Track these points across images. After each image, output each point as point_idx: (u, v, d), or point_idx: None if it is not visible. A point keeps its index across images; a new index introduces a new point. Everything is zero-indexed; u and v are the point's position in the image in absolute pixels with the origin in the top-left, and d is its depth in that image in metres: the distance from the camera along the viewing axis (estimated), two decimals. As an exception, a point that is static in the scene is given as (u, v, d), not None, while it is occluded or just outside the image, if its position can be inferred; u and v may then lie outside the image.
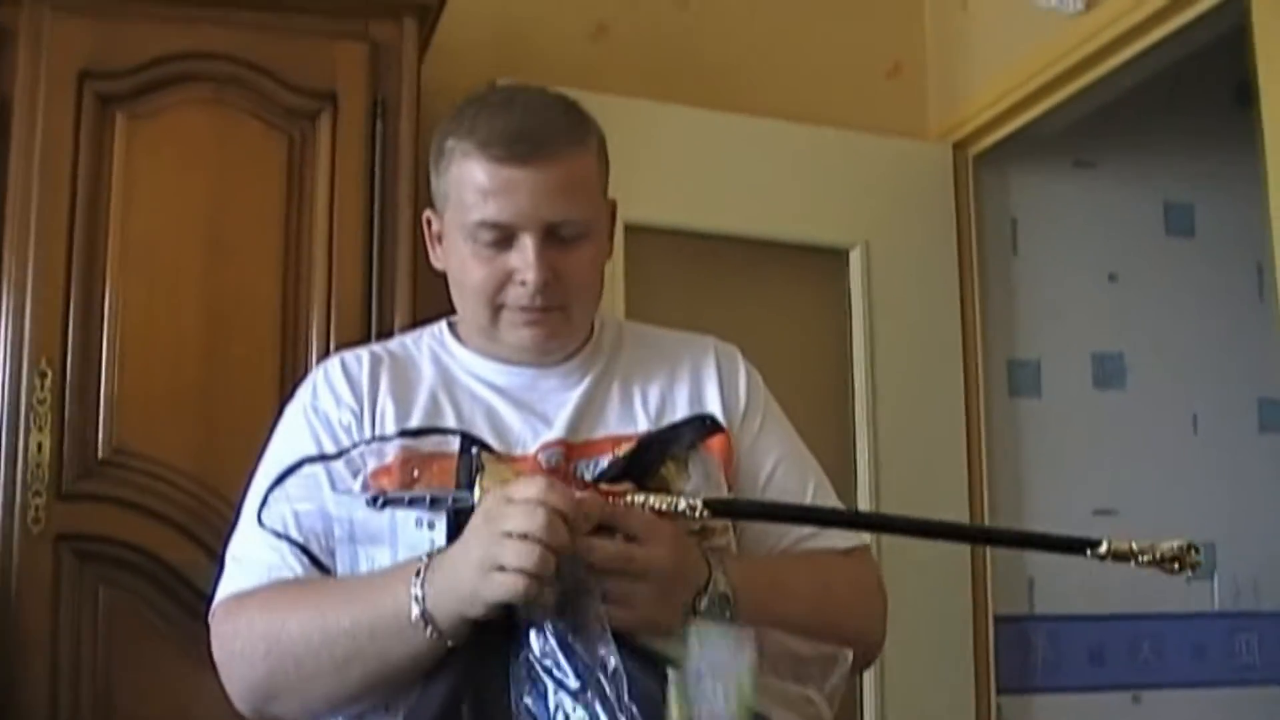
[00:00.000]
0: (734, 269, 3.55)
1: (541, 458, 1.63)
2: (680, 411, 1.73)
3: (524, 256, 1.62)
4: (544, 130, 1.62)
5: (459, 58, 3.32)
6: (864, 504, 3.47)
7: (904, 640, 2.04)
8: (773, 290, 3.59)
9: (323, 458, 1.63)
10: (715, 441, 1.71)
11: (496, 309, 1.67)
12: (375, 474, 1.61)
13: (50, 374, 2.54)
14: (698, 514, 1.49)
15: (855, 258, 3.65)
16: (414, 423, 1.65)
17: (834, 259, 3.68)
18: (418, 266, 2.76)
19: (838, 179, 3.64)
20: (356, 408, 1.67)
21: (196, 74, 2.72)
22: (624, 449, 1.64)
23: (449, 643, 1.45)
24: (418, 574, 1.45)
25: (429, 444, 1.63)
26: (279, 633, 1.52)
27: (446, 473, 1.59)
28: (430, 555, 1.47)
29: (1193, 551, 1.45)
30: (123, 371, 2.60)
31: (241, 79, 2.74)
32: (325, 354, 2.64)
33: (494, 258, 1.64)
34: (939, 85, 3.92)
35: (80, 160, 2.64)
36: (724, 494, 1.66)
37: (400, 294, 2.76)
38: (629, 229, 2.95)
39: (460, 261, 1.67)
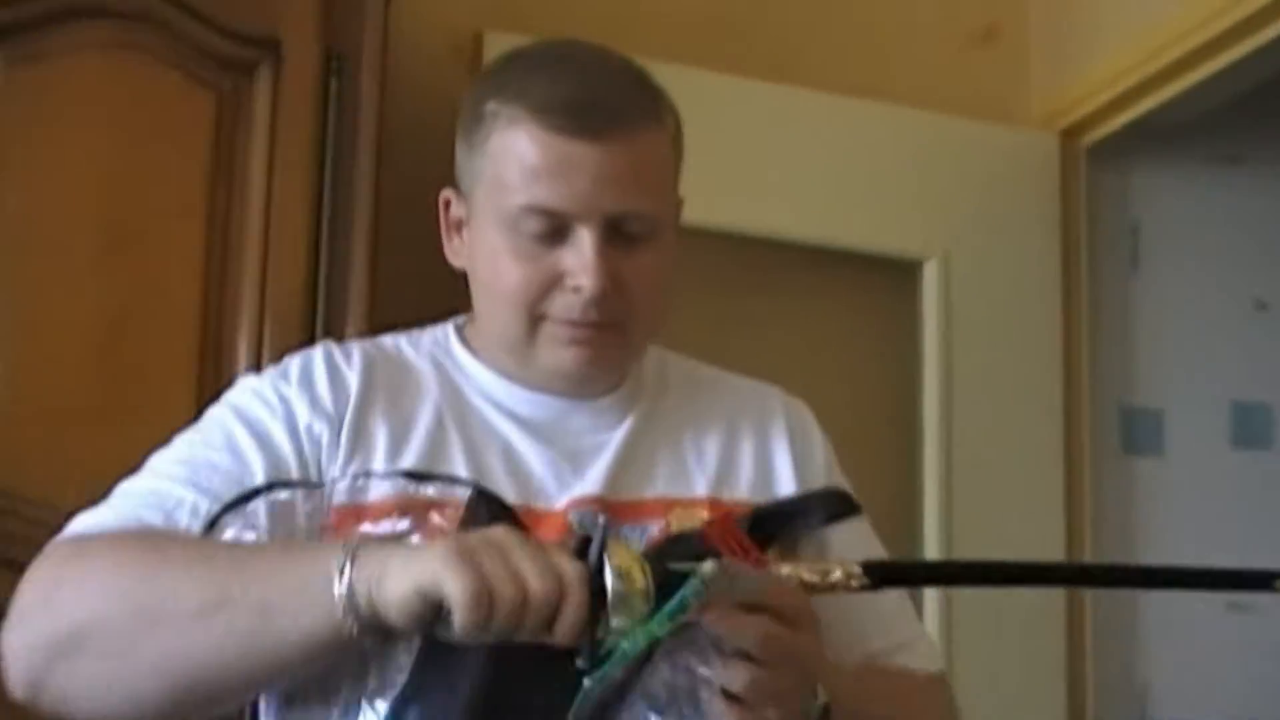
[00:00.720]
0: (778, 281, 3.56)
1: (572, 517, 1.62)
2: (744, 477, 1.73)
3: (580, 256, 1.60)
4: (616, 99, 1.62)
5: (438, 2, 3.34)
6: None
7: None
8: (826, 310, 3.60)
9: (292, 483, 1.60)
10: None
11: (536, 320, 1.64)
12: (345, 513, 1.59)
13: (-94, 394, 2.58)
14: (855, 584, 1.50)
15: (930, 272, 3.65)
16: (412, 454, 1.63)
17: (904, 272, 3.69)
18: (376, 264, 2.77)
19: (913, 171, 3.64)
20: (334, 419, 1.64)
21: (96, 8, 2.67)
22: (674, 520, 1.65)
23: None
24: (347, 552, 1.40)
25: (430, 489, 1.61)
26: (130, 581, 1.46)
27: (449, 523, 1.58)
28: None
29: None
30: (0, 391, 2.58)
31: (156, 17, 2.69)
32: (256, 369, 2.59)
33: (539, 255, 1.62)
34: (1045, 56, 3.89)
35: (-60, 114, 2.66)
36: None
37: (354, 297, 2.74)
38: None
39: (492, 258, 1.65)
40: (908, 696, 1.71)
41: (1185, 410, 3.85)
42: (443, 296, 3.02)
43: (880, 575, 1.53)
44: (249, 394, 1.67)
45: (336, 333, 2.67)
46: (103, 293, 2.63)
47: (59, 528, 2.41)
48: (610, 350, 1.66)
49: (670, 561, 1.41)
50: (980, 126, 3.73)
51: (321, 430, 1.62)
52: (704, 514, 1.66)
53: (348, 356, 1.70)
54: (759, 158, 3.47)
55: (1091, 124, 3.75)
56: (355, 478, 1.60)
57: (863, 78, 3.67)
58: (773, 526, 1.66)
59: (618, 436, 1.70)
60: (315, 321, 2.72)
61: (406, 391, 1.69)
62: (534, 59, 1.67)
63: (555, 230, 1.60)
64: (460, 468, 1.62)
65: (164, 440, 2.39)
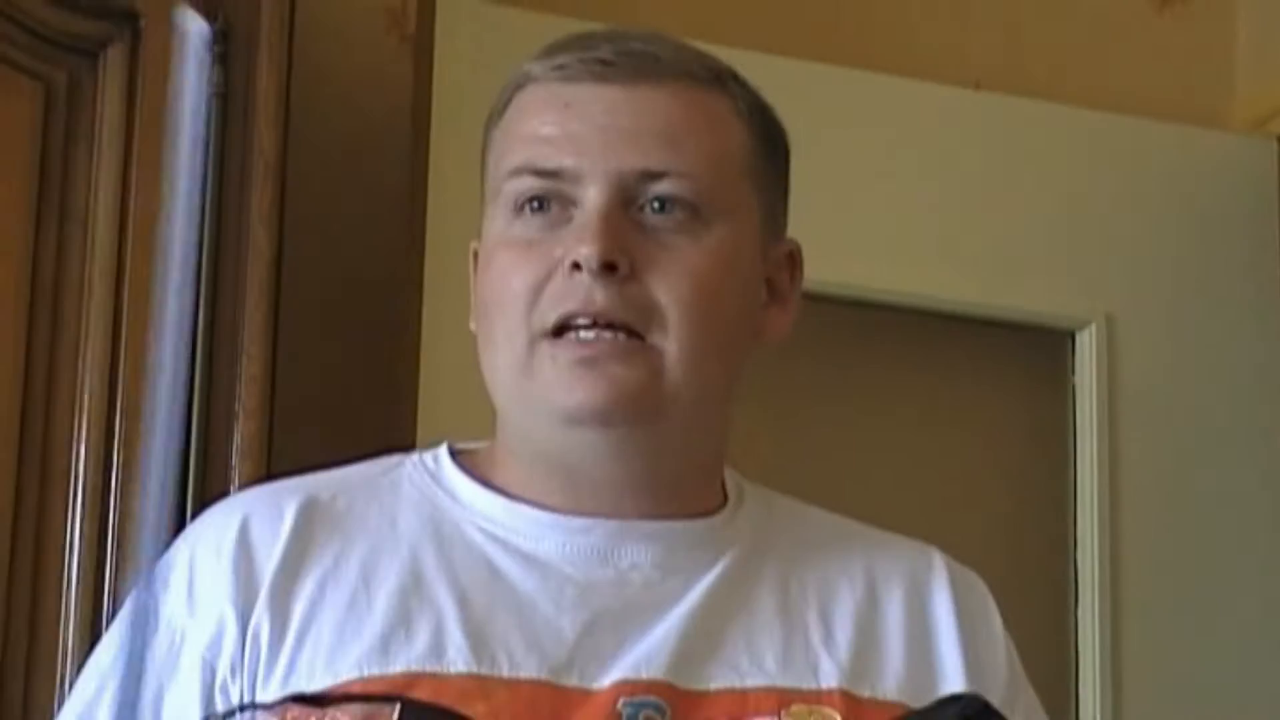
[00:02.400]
0: (878, 353, 3.54)
1: (622, 706, 1.56)
2: (892, 668, 1.69)
3: (583, 220, 1.61)
4: (653, 47, 1.69)
5: None
6: None
7: None
8: (939, 389, 3.55)
9: None
10: None
11: (533, 341, 1.63)
12: None
13: None
14: None
15: (1085, 342, 3.59)
16: (373, 631, 1.60)
17: (1051, 342, 3.65)
18: (277, 318, 2.70)
19: (1061, 200, 3.58)
20: (236, 619, 1.62)
21: None
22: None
23: None
24: None
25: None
26: None
27: None
28: None
29: None
30: None
31: None
32: (102, 467, 2.62)
33: (538, 240, 1.64)
34: (1254, 29, 3.76)
35: None
36: None
37: (247, 381, 2.69)
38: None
39: (486, 268, 1.68)
40: None
41: None
42: (360, 374, 3.06)
43: None
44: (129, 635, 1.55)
45: (219, 422, 2.65)
46: None
47: None
48: (632, 372, 1.61)
49: None
50: (1163, 130, 3.62)
51: (212, 641, 1.64)
52: (835, 715, 1.63)
53: (275, 509, 1.70)
54: (838, 182, 3.34)
55: None
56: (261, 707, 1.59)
57: (983, 62, 3.65)
58: None
59: (702, 585, 1.67)
60: (191, 412, 2.62)
61: (369, 546, 1.67)
62: (572, 35, 1.73)
63: (560, 204, 1.63)
64: (448, 636, 1.60)
65: None
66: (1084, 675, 3.48)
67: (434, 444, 1.80)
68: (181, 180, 2.51)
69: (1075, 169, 3.59)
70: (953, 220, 3.53)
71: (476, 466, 1.74)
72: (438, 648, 1.58)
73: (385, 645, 1.58)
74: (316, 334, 2.99)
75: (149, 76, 2.72)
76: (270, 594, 1.62)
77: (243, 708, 1.59)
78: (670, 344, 1.63)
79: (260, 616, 1.61)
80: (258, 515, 1.68)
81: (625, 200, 1.62)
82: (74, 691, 1.69)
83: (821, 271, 3.24)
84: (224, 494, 2.45)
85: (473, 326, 1.73)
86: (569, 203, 1.63)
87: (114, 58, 2.73)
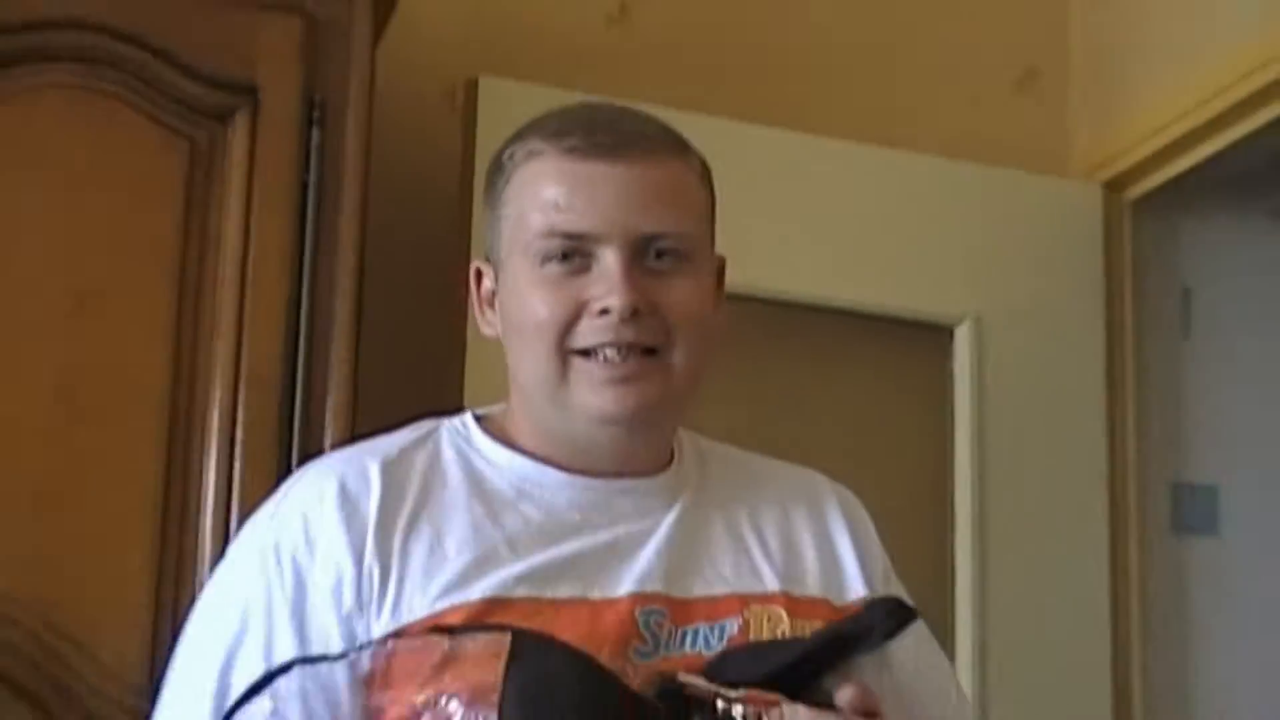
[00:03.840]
0: (798, 347, 3.57)
1: (640, 617, 1.63)
2: (811, 573, 1.77)
3: (606, 276, 1.66)
4: (636, 126, 1.73)
5: (427, 47, 3.36)
6: (963, 663, 3.45)
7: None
8: (851, 377, 3.62)
9: (312, 660, 1.59)
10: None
11: (566, 356, 1.68)
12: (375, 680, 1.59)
13: None
14: None
15: (962, 336, 3.67)
16: (452, 569, 1.62)
17: (934, 338, 3.71)
18: (361, 324, 2.76)
19: (942, 229, 3.66)
20: (353, 563, 1.62)
21: (58, 49, 2.68)
22: (751, 618, 1.68)
23: None
24: None
25: (468, 642, 1.59)
26: None
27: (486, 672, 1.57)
28: None
29: None
30: (-59, 460, 2.57)
31: (123, 60, 2.69)
32: (229, 448, 2.65)
33: (565, 282, 1.67)
34: (1087, 102, 3.91)
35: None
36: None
37: (336, 369, 2.72)
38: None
39: (519, 297, 1.70)
40: None
41: (1243, 487, 3.84)
42: (431, 365, 3.21)
43: None
44: (243, 584, 1.67)
45: (316, 409, 2.69)
46: (59, 362, 2.62)
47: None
48: (652, 386, 1.68)
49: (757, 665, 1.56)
50: (1016, 177, 3.74)
51: (333, 584, 1.61)
52: (780, 610, 1.69)
53: (363, 477, 1.69)
54: (777, 212, 3.46)
55: (1138, 176, 3.76)
56: (382, 642, 1.59)
57: (888, 125, 3.69)
58: (839, 651, 1.65)
59: (669, 522, 1.72)
60: (295, 392, 2.69)
61: (437, 495, 1.69)
62: (552, 112, 1.75)
63: (581, 257, 1.66)
64: (508, 579, 1.62)
65: (118, 514, 2.60)
66: (960, 587, 3.57)
67: (458, 411, 1.83)
68: (289, 212, 2.61)
69: (953, 204, 3.68)
70: (859, 241, 3.60)
71: (497, 430, 1.78)
72: (501, 581, 1.61)
73: (463, 580, 1.60)
74: (389, 329, 3.10)
75: (266, 135, 2.77)
76: (374, 542, 1.63)
77: (368, 640, 1.59)
78: (678, 357, 1.70)
79: (370, 561, 1.62)
80: (350, 476, 1.69)
81: (636, 254, 1.67)
82: (206, 626, 1.69)
83: (752, 278, 3.36)
84: (320, 449, 2.60)
85: (485, 331, 1.80)
86: (589, 256, 1.66)
87: (240, 121, 2.76)
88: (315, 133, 2.77)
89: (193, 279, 2.70)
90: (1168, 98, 3.62)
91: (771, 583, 1.72)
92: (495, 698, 1.52)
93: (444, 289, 3.15)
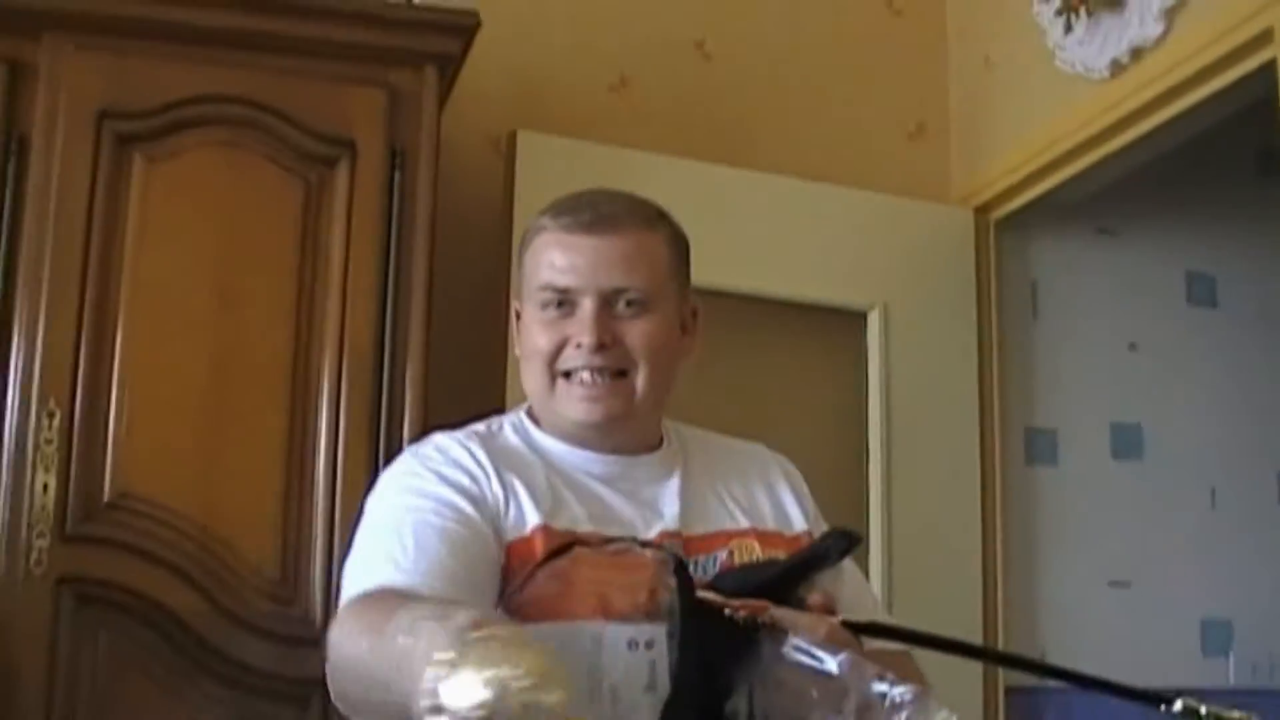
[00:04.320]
0: (749, 329, 3.52)
1: (667, 545, 1.64)
2: (768, 514, 1.79)
3: (582, 319, 1.70)
4: (612, 207, 1.75)
5: (479, 108, 3.36)
6: (875, 571, 3.45)
7: (912, 714, 2.05)
8: (789, 351, 3.59)
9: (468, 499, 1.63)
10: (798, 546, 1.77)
11: (554, 377, 1.73)
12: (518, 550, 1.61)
13: (58, 415, 2.54)
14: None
15: (873, 320, 3.66)
16: (544, 508, 1.64)
17: (852, 321, 3.68)
18: (431, 321, 2.79)
19: (858, 240, 3.64)
20: (480, 482, 1.66)
21: (214, 117, 2.72)
22: (735, 548, 1.70)
23: None
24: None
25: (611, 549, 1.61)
26: (351, 656, 1.45)
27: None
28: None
29: None
30: (130, 415, 2.59)
31: (259, 123, 2.74)
32: (335, 408, 2.69)
33: (555, 322, 1.72)
34: (962, 149, 3.92)
35: (96, 200, 2.64)
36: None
37: (413, 350, 2.76)
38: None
39: (527, 331, 1.75)
40: (891, 664, 1.68)
41: (1075, 429, 3.89)
42: (483, 345, 3.09)
43: (859, 630, 1.56)
44: (426, 479, 1.67)
45: (399, 380, 2.72)
46: (215, 343, 2.66)
47: (176, 527, 2.54)
48: (617, 400, 1.72)
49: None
50: (911, 204, 3.74)
51: (471, 486, 1.65)
52: (753, 542, 1.73)
53: (464, 439, 1.73)
54: (731, 229, 3.40)
55: (999, 202, 3.77)
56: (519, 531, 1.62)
57: (818, 164, 3.69)
58: (807, 568, 1.63)
59: (674, 485, 1.76)
60: (382, 371, 2.73)
61: (519, 460, 1.72)
62: (562, 198, 1.78)
63: (567, 304, 1.71)
64: (580, 517, 1.66)
65: (257, 455, 2.64)
66: (872, 514, 3.56)
67: (515, 408, 1.83)
68: (378, 234, 2.61)
69: (865, 223, 3.66)
70: (795, 250, 3.56)
71: (539, 417, 1.80)
72: (573, 520, 1.65)
73: (550, 517, 1.63)
74: (453, 319, 3.06)
75: (360, 177, 2.80)
76: (490, 483, 1.65)
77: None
78: (639, 379, 1.72)
79: (493, 494, 1.64)
80: (462, 445, 1.71)
81: (606, 304, 1.70)
82: (371, 544, 1.63)
83: (708, 276, 3.33)
84: (402, 409, 2.70)
85: (517, 353, 1.80)
86: (573, 304, 1.71)
87: (342, 167, 2.79)
88: (397, 175, 2.80)
89: (308, 283, 2.73)
90: (1020, 146, 3.62)
91: (744, 522, 1.75)
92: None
93: (493, 292, 3.17)
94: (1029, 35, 3.60)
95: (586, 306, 1.70)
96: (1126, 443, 3.92)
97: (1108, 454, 3.90)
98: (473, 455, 1.70)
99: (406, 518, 1.61)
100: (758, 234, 3.52)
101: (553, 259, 1.72)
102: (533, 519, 1.63)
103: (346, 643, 1.45)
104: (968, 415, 3.71)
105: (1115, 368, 3.95)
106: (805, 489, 1.88)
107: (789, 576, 1.62)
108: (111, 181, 2.66)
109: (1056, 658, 3.58)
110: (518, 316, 1.81)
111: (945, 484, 3.64)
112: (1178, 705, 1.45)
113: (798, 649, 1.41)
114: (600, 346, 1.69)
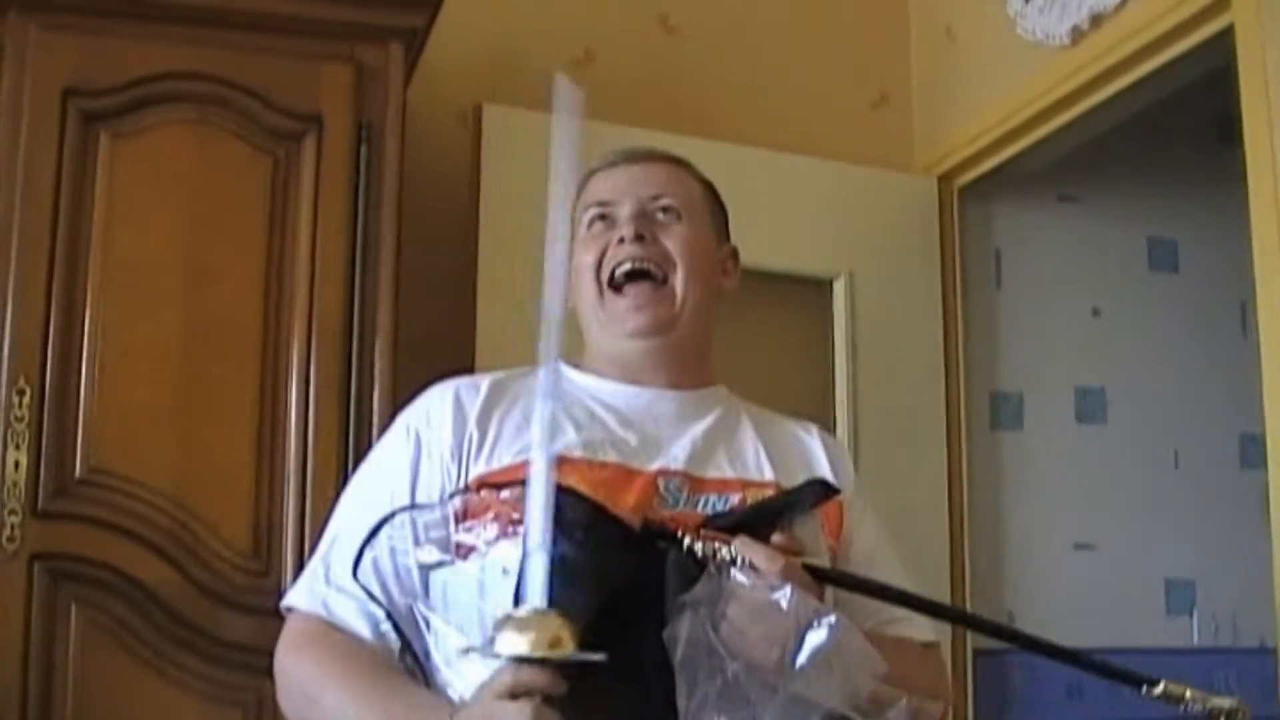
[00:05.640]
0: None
1: (661, 483, 1.68)
2: (798, 476, 1.80)
3: (622, 220, 1.83)
4: (647, 149, 1.92)
5: (445, 82, 3.36)
6: None
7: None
8: (755, 319, 3.52)
9: (414, 507, 1.68)
10: (830, 508, 1.78)
11: (601, 290, 1.82)
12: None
13: (29, 392, 2.52)
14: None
15: (839, 288, 3.66)
16: (528, 436, 1.67)
17: (817, 289, 3.69)
18: (400, 294, 2.79)
19: (822, 209, 3.65)
20: (453, 435, 1.72)
21: (181, 94, 2.70)
22: (749, 495, 1.71)
23: None
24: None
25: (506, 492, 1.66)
26: (317, 696, 1.62)
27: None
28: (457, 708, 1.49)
29: (1241, 715, 1.48)
30: (102, 391, 2.58)
31: (226, 100, 2.73)
32: (305, 381, 2.69)
33: (599, 235, 1.83)
34: (925, 118, 3.94)
35: (63, 178, 2.62)
36: (824, 559, 1.71)
37: (382, 323, 2.75)
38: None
39: (577, 250, 1.84)
40: (906, 658, 1.70)
41: (1039, 394, 3.92)
42: (450, 316, 3.12)
43: (818, 575, 1.60)
44: (392, 454, 1.76)
45: (368, 349, 2.71)
46: (186, 316, 2.64)
47: (149, 502, 2.53)
48: (661, 309, 1.80)
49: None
50: (875, 173, 3.74)
51: (449, 449, 1.70)
52: (772, 493, 1.75)
53: (474, 387, 1.77)
54: None
55: (962, 170, 3.79)
56: (462, 493, 1.67)
57: (782, 135, 3.70)
58: (778, 510, 1.68)
59: (701, 426, 1.79)
60: (351, 340, 2.72)
61: (526, 400, 1.73)
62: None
63: (609, 218, 1.84)
64: (573, 444, 1.69)
65: (228, 428, 2.62)
66: None
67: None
68: (346, 208, 2.58)
69: (831, 192, 3.66)
70: (764, 219, 3.35)
71: (576, 366, 1.85)
72: (565, 445, 1.67)
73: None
74: (420, 292, 3.06)
75: (328, 152, 2.78)
76: (476, 420, 1.71)
77: (463, 488, 1.66)
78: (678, 282, 1.81)
79: (472, 429, 1.70)
80: (464, 387, 1.78)
81: (643, 209, 1.83)
82: (364, 482, 1.77)
83: None
84: (371, 382, 2.69)
85: (571, 305, 1.85)
86: (614, 218, 1.83)
87: (309, 142, 2.77)
88: (364, 149, 2.78)
89: (276, 258, 2.72)
90: (982, 115, 3.63)
91: (769, 475, 1.77)
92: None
93: (461, 264, 3.17)
94: (990, 3, 3.62)
95: (625, 209, 1.83)
96: (1090, 406, 3.95)
97: (1072, 418, 3.94)
98: (448, 402, 1.75)
99: (345, 525, 1.72)
100: (728, 204, 3.43)
101: (596, 189, 1.87)
102: (506, 455, 1.68)
103: (320, 679, 1.63)
104: (933, 381, 3.73)
105: (1078, 332, 3.99)
106: (847, 465, 1.91)
107: (765, 515, 1.66)
108: (78, 159, 2.64)
109: (1023, 620, 3.66)
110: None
111: (911, 449, 3.65)
112: (1159, 689, 1.49)
113: (745, 585, 1.47)
114: (639, 237, 1.80)
